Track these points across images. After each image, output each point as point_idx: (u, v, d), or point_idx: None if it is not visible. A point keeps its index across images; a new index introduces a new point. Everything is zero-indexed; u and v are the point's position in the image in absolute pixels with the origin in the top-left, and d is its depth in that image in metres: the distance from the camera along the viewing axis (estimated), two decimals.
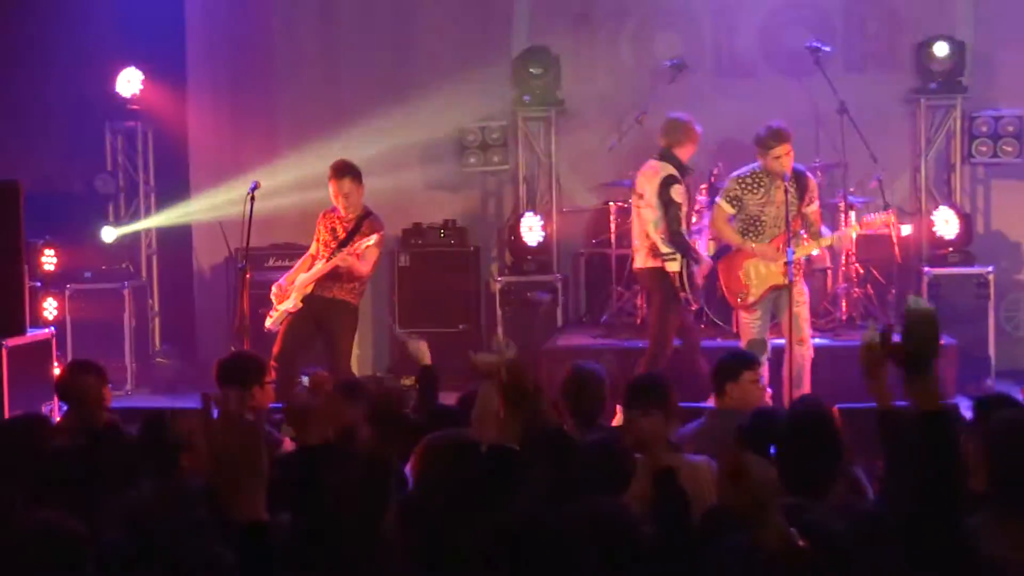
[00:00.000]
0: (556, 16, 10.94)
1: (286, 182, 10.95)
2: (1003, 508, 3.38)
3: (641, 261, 8.38)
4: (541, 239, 10.29)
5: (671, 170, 8.19)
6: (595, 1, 10.97)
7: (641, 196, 8.30)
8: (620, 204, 10.04)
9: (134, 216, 11.12)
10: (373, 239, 8.15)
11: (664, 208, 8.14)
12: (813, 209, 8.08)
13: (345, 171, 8.31)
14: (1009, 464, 3.41)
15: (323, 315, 8.26)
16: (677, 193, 8.14)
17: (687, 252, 8.16)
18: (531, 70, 10.58)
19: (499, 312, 10.07)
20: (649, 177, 8.26)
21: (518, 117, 10.73)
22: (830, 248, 8.95)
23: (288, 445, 5.36)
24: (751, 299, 8.03)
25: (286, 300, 8.28)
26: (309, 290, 8.25)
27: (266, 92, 11.16)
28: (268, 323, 8.36)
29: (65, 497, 4.02)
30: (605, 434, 4.77)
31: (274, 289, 8.40)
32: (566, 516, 3.38)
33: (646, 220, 8.25)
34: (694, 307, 8.46)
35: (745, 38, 10.85)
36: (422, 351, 5.93)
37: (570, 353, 8.89)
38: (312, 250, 8.47)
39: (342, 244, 8.22)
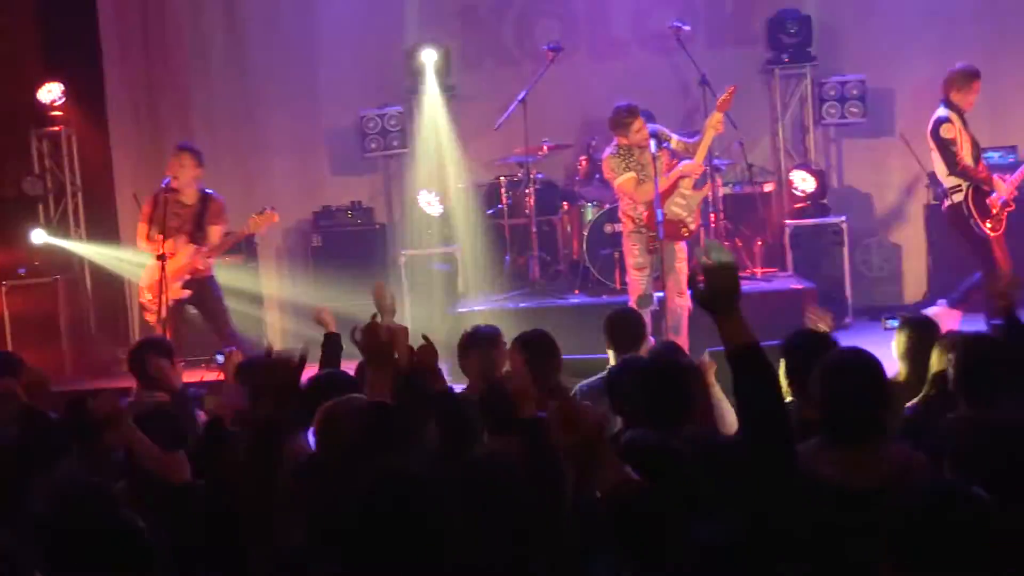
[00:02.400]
0: (444, 8, 10.92)
1: (205, 175, 10.84)
2: (831, 435, 3.45)
3: (946, 204, 8.36)
4: (440, 213, 10.28)
5: (942, 112, 8.16)
6: None
7: (931, 148, 8.29)
8: (510, 178, 10.09)
9: (63, 216, 10.93)
10: (221, 229, 8.26)
11: (941, 148, 8.15)
12: (675, 142, 8.08)
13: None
14: (832, 397, 3.47)
15: (197, 295, 8.23)
16: (946, 131, 8.11)
17: (973, 181, 8.12)
18: (423, 60, 10.55)
19: (405, 283, 10.06)
20: (929, 127, 8.27)
21: (413, 104, 10.70)
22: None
23: (204, 419, 5.33)
24: (693, 225, 8.04)
25: (171, 292, 8.04)
26: (188, 277, 8.18)
27: (179, 90, 11.00)
28: (154, 319, 8.18)
29: None
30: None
31: (148, 295, 8.19)
32: (450, 469, 3.40)
33: (934, 165, 8.31)
34: (988, 234, 8.14)
35: (617, 22, 10.91)
36: (329, 319, 5.86)
37: (471, 317, 8.93)
38: (148, 234, 8.16)
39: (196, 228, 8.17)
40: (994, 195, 8.16)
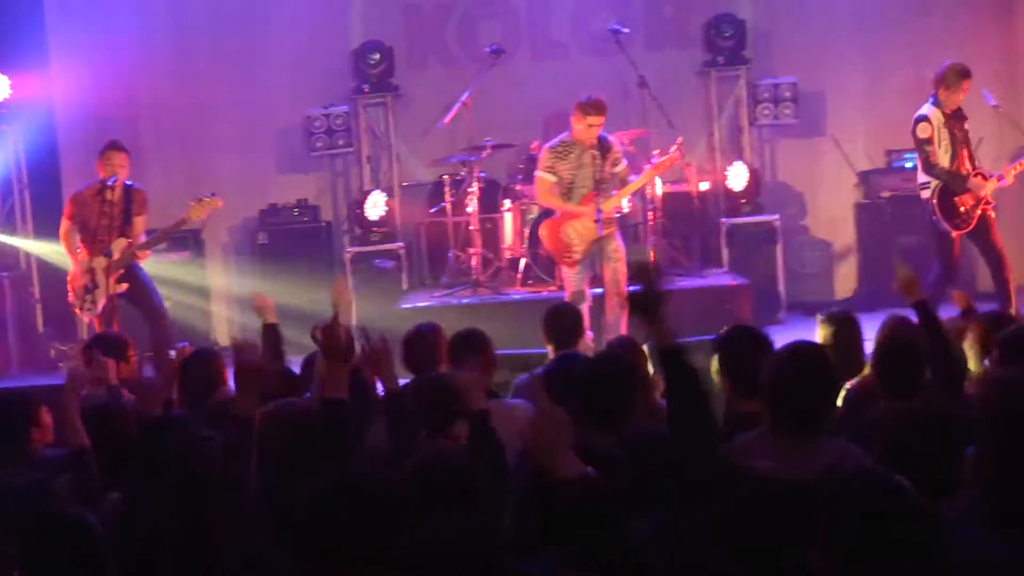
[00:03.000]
0: (388, 9, 10.91)
1: (151, 172, 10.76)
2: (775, 426, 3.51)
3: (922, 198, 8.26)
4: (384, 212, 10.28)
5: (924, 110, 8.06)
6: None
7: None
8: (453, 177, 10.11)
9: (11, 213, 10.78)
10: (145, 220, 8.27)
11: (916, 146, 8.10)
12: (620, 169, 8.15)
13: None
14: (781, 386, 3.52)
15: (130, 283, 8.17)
16: (921, 130, 8.00)
17: (944, 180, 7.99)
18: (368, 61, 10.56)
19: (350, 280, 10.03)
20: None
21: (359, 104, 10.69)
22: (639, 194, 8.99)
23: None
24: (577, 256, 8.06)
25: (108, 288, 8.04)
26: (120, 272, 8.11)
27: (126, 89, 10.88)
28: (95, 311, 8.13)
29: None
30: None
31: (85, 298, 8.15)
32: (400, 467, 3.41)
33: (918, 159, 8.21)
34: (950, 232, 8.01)
35: (558, 24, 10.96)
36: (267, 307, 5.68)
37: (414, 313, 8.94)
38: (72, 239, 8.23)
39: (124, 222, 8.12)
40: (967, 194, 8.00)
